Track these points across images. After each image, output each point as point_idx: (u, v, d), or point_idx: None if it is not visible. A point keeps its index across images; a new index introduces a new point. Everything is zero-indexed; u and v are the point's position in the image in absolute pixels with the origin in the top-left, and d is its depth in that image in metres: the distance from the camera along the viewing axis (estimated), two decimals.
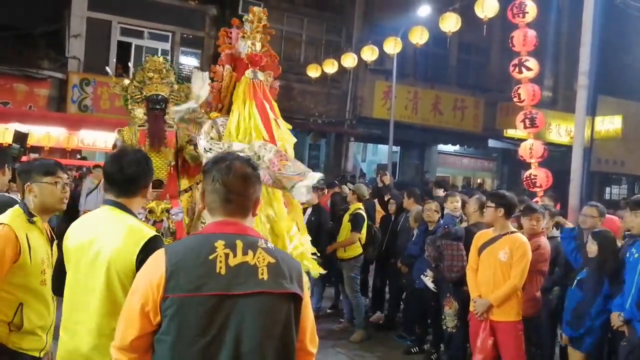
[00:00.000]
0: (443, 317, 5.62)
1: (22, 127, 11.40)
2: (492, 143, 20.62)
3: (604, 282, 4.57)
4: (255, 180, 2.00)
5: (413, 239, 6.66)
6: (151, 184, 6.64)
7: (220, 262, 1.82)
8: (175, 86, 6.84)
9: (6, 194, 3.35)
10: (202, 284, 1.78)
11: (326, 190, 8.91)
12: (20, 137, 6.68)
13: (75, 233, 2.54)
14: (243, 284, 1.81)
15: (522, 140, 9.16)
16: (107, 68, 6.25)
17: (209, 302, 1.77)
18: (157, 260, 1.85)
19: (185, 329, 1.76)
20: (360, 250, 7.09)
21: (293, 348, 1.90)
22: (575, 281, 4.79)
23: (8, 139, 10.91)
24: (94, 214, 2.61)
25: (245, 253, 1.86)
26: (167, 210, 6.43)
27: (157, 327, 1.81)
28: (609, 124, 20.33)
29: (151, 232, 2.48)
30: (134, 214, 2.56)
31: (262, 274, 1.85)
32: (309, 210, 7.35)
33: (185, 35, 15.27)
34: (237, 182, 1.94)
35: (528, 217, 5.13)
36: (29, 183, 2.90)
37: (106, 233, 2.44)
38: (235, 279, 1.81)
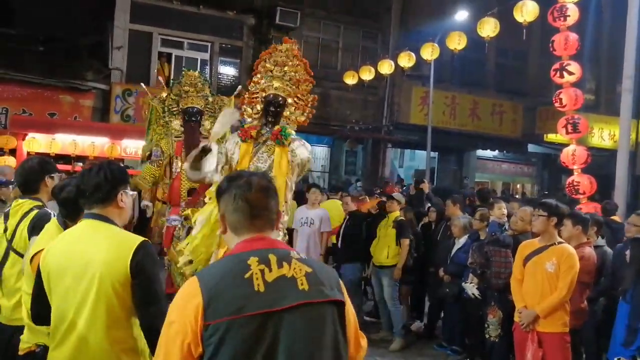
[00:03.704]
0: (486, 325, 5.54)
1: (67, 137, 11.73)
2: (531, 148, 20.28)
3: None
4: (274, 193, 1.96)
5: (458, 247, 6.55)
6: (186, 192, 6.73)
7: (257, 279, 1.74)
8: (210, 98, 7.01)
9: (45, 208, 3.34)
10: (242, 305, 1.70)
11: (366, 197, 8.89)
12: None
13: (55, 251, 2.48)
14: (285, 298, 1.75)
15: (562, 144, 9.00)
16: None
17: (254, 323, 1.70)
18: (191, 289, 1.77)
19: (234, 353, 1.69)
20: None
21: (345, 356, 1.85)
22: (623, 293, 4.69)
23: (55, 149, 11.25)
24: (74, 229, 2.58)
25: (280, 266, 1.79)
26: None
27: (199, 357, 1.72)
28: None
29: (138, 237, 2.48)
30: (114, 223, 2.53)
31: (302, 284, 1.78)
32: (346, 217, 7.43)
33: (223, 45, 15.50)
34: (259, 196, 1.89)
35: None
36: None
37: (91, 246, 2.42)
38: (276, 294, 1.74)
